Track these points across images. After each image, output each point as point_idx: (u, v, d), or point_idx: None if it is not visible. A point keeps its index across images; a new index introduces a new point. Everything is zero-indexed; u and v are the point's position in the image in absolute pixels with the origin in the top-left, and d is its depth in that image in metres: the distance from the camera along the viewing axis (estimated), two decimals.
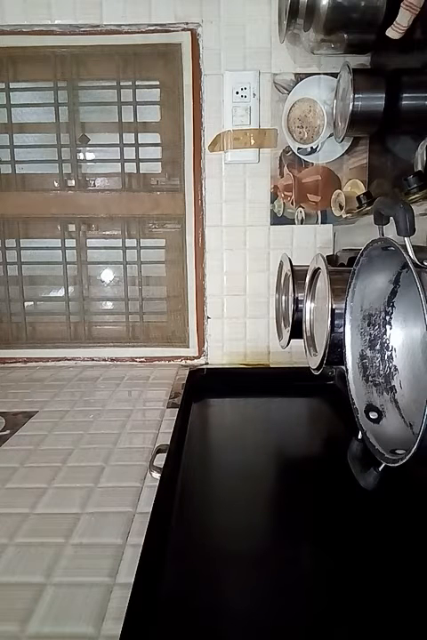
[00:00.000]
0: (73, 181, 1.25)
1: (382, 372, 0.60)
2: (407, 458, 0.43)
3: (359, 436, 0.59)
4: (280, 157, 1.18)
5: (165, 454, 0.67)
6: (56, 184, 1.25)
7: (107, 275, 1.31)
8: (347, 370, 0.60)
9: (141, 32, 1.16)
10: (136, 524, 0.58)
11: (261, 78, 1.15)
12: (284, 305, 1.00)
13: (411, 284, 0.49)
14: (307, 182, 1.19)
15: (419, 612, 0.44)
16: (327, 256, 0.88)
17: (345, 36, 0.94)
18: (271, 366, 1.24)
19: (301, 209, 1.20)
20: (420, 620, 0.43)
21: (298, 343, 0.87)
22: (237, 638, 0.43)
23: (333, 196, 1.19)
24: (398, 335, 0.59)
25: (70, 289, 1.29)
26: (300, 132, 1.16)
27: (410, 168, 0.83)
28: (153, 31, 1.16)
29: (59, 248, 1.27)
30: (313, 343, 0.82)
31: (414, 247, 0.45)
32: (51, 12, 1.15)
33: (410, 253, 0.45)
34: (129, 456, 0.76)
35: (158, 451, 0.71)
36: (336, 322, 0.68)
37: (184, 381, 1.05)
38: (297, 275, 0.89)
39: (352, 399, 0.60)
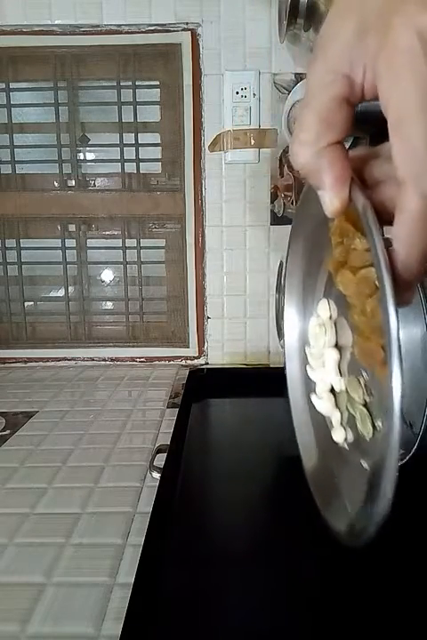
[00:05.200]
0: (73, 181, 1.25)
1: None
2: (407, 458, 0.43)
3: None
4: (280, 157, 1.18)
5: (165, 454, 0.67)
6: (56, 184, 1.25)
7: (107, 275, 1.31)
8: None
9: (141, 32, 1.16)
10: (136, 523, 0.58)
11: (261, 78, 1.15)
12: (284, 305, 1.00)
13: None
14: None
15: (420, 614, 0.44)
16: None
17: None
18: (271, 366, 1.24)
19: None
20: (421, 622, 0.43)
21: None
22: (238, 638, 0.43)
23: None
24: None
25: (70, 289, 1.29)
26: None
27: None
28: (153, 31, 1.16)
29: (59, 248, 1.27)
30: None
31: None
32: (51, 12, 1.15)
33: None
34: (129, 456, 0.76)
35: (158, 451, 0.71)
36: None
37: (184, 381, 1.05)
38: None
39: None
